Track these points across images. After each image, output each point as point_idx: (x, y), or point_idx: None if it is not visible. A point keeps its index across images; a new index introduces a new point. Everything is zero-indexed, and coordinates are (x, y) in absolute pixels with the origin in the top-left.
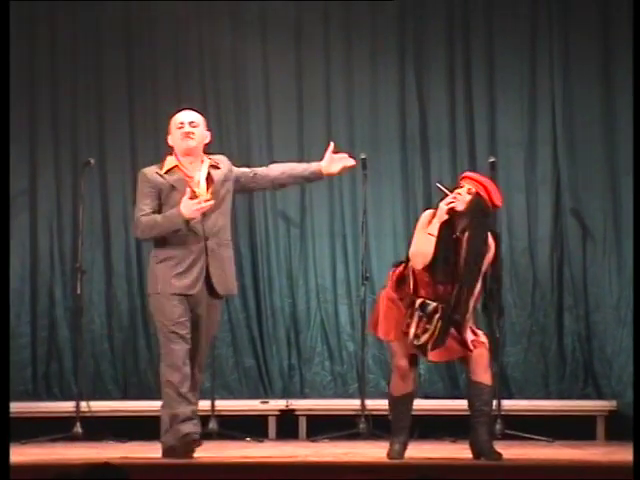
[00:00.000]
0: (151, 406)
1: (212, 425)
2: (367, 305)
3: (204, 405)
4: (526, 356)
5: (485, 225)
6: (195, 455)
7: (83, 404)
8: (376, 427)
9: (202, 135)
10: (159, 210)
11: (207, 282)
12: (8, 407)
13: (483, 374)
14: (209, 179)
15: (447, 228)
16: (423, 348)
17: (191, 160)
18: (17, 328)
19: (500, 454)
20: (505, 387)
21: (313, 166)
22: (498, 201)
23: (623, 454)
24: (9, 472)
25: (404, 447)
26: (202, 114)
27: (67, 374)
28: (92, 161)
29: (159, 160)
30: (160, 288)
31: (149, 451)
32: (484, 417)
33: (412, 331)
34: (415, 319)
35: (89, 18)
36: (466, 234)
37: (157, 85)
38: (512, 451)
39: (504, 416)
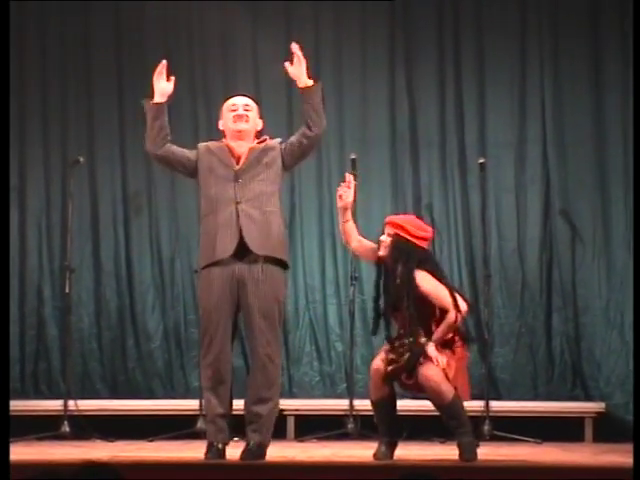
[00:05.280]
0: (139, 405)
1: (200, 425)
2: (356, 305)
3: (193, 405)
4: (515, 357)
5: (410, 264)
6: (183, 455)
7: (71, 403)
8: (364, 427)
9: (255, 120)
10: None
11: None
12: (8, 410)
13: (436, 398)
14: (250, 151)
15: (388, 276)
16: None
17: (241, 144)
18: None
19: (474, 455)
20: (494, 388)
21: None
22: (423, 233)
23: (611, 456)
24: (9, 472)
25: (391, 448)
26: (257, 102)
27: (55, 372)
28: (81, 159)
29: (149, 158)
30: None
31: (137, 450)
32: (459, 429)
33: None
34: (382, 353)
35: (78, 17)
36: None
37: (146, 82)
38: (500, 452)
39: (492, 417)
